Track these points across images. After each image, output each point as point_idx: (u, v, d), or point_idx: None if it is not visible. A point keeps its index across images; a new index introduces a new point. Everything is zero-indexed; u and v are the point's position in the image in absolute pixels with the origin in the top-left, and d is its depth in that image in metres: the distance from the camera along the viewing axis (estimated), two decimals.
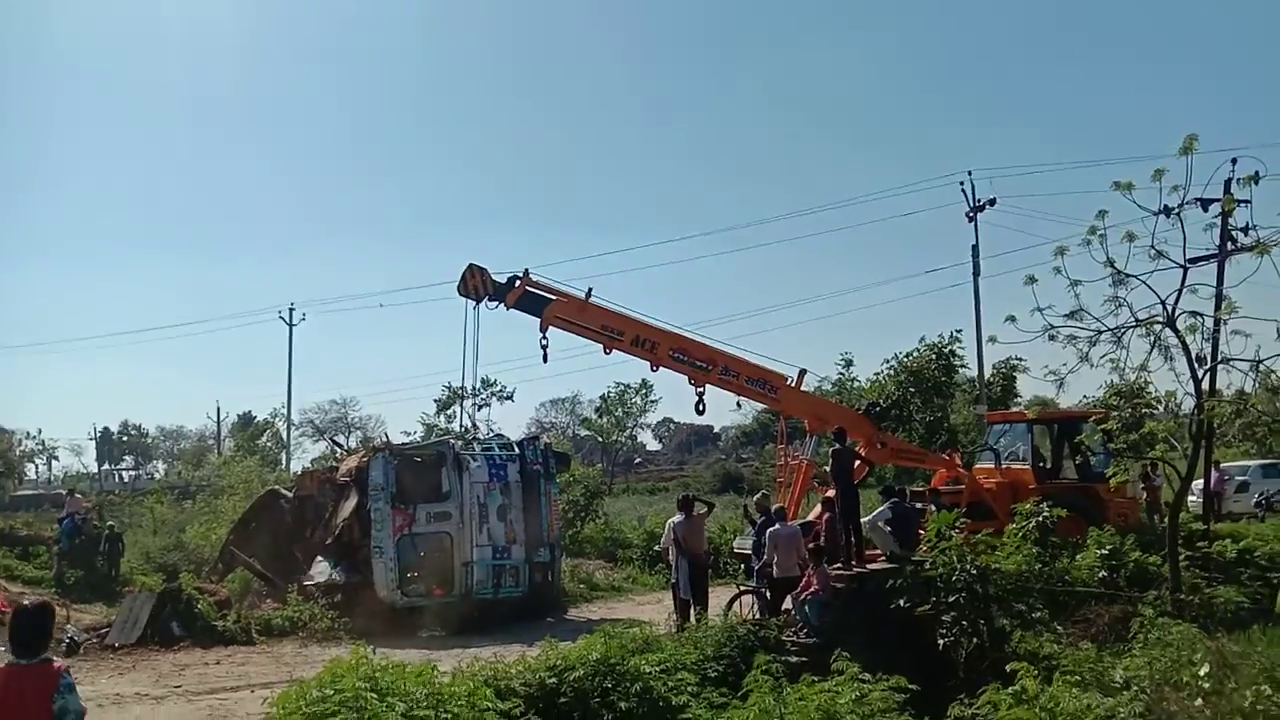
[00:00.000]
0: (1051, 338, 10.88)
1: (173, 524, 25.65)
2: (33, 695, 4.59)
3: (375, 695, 6.29)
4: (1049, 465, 17.69)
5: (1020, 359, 32.30)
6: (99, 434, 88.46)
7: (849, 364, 39.07)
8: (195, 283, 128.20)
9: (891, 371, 30.01)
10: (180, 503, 29.73)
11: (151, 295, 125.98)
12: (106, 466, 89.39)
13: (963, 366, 30.94)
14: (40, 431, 74.53)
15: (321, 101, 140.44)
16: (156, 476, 77.48)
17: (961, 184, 34.16)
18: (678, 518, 14.28)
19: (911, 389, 29.03)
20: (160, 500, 29.99)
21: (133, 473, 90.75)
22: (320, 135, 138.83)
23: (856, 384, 36.70)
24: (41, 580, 22.91)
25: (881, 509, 13.74)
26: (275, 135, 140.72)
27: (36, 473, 77.60)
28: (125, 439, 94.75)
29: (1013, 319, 11.15)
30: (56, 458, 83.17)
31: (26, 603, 5.22)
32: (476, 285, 16.10)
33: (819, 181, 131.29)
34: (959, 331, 30.17)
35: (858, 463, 14.25)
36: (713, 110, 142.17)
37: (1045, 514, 13.83)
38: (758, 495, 16.94)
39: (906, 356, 29.87)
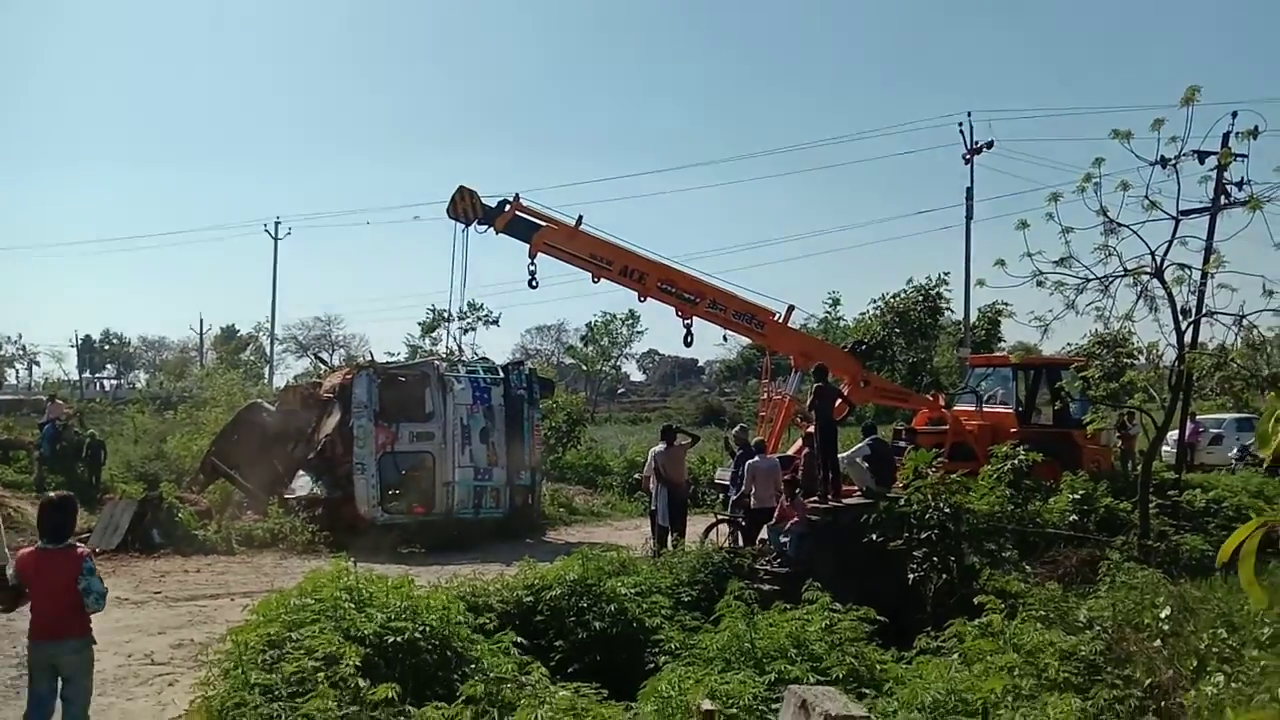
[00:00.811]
0: (1039, 284, 10.85)
1: (154, 434, 25.65)
2: (62, 574, 5.24)
3: (354, 605, 6.38)
4: (1028, 410, 17.88)
5: (1007, 304, 32.34)
6: (81, 341, 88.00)
7: (836, 303, 39.28)
8: (182, 195, 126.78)
9: (878, 312, 30.14)
10: (162, 413, 29.66)
11: (137, 206, 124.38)
12: (88, 374, 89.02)
13: (948, 309, 31.07)
14: (21, 336, 73.92)
15: (316, 13, 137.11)
16: (138, 386, 77.25)
17: (960, 125, 33.84)
18: (659, 446, 14.40)
19: (897, 330, 29.20)
20: (142, 410, 29.95)
21: (114, 382, 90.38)
22: (312, 47, 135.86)
23: (843, 323, 36.86)
24: (22, 484, 22.91)
25: (860, 445, 13.90)
26: (267, 47, 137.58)
27: (17, 378, 77.06)
28: (107, 348, 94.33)
29: (1002, 263, 11.11)
30: (38, 363, 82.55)
31: (52, 495, 6.03)
32: (466, 208, 15.96)
33: (815, 117, 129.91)
34: (947, 274, 30.23)
35: (839, 401, 14.32)
36: (707, 38, 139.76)
37: (1021, 457, 14.03)
38: (736, 429, 17.07)
39: (893, 297, 29.98)
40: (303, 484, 16.28)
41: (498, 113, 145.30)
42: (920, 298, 28.99)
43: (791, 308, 17.96)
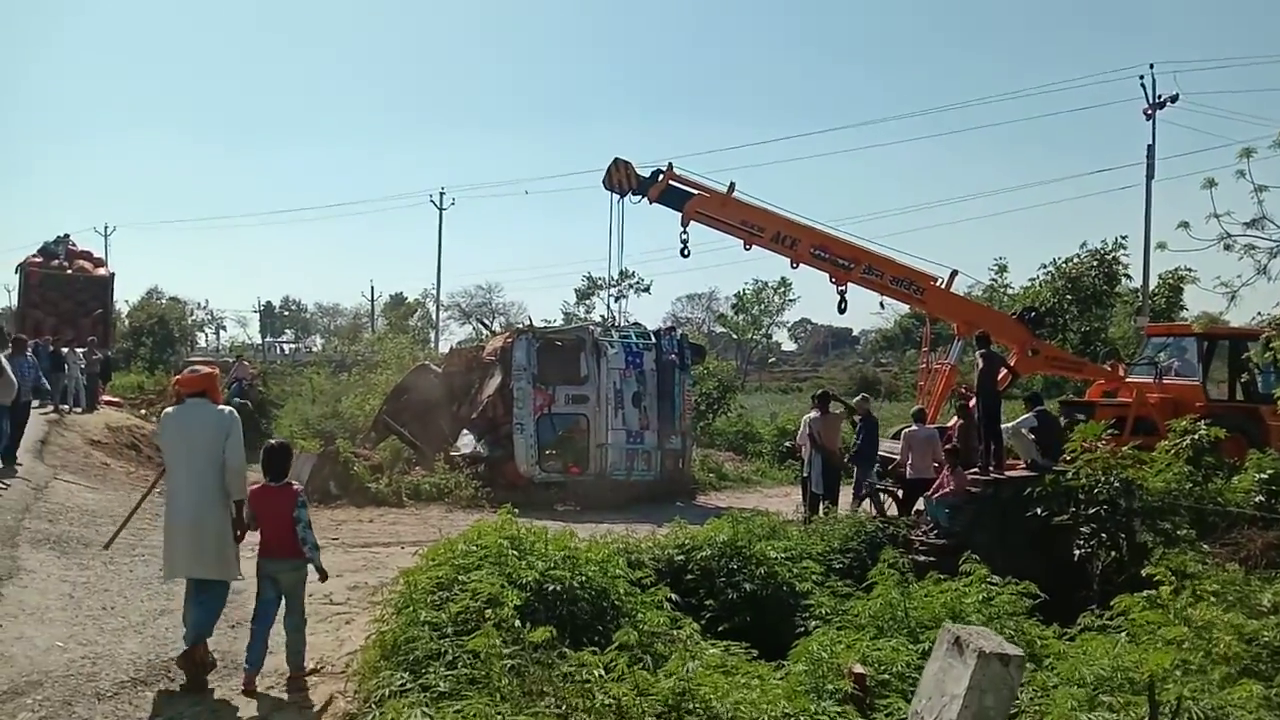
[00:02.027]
0: (1227, 247, 10.05)
1: (329, 394, 27.26)
2: (281, 506, 6.42)
3: (516, 553, 6.67)
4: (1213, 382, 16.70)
5: (1190, 269, 30.09)
6: (262, 307, 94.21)
7: (1003, 269, 37.52)
8: (357, 168, 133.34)
9: (1048, 277, 28.63)
10: (336, 375, 31.52)
11: (314, 179, 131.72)
12: (268, 338, 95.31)
13: (1126, 275, 29.18)
14: (209, 302, 80.00)
15: None
16: (314, 350, 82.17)
17: (1142, 79, 31.58)
18: (814, 413, 14.26)
19: (1069, 297, 27.67)
20: (318, 372, 31.95)
21: (292, 345, 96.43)
22: (470, 27, 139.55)
23: (1010, 290, 35.23)
24: None
25: (1026, 416, 13.34)
26: (428, 20, 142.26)
27: (205, 341, 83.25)
28: (286, 313, 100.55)
29: (1186, 225, 10.35)
30: (224, 328, 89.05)
31: (273, 441, 7.07)
32: (621, 179, 16.21)
33: (981, 74, 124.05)
34: (1125, 238, 28.38)
35: (1003, 370, 13.77)
36: (858, 7, 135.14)
37: (1202, 432, 13.14)
38: (859, 398, 16.72)
39: (1066, 262, 28.41)
40: (466, 442, 17.02)
41: (652, 81, 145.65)
42: (1095, 263, 27.34)
43: (954, 273, 17.39)
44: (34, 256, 31.00)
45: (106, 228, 65.70)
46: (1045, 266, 28.74)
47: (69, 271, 30.58)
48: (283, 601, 6.47)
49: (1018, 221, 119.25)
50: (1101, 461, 11.09)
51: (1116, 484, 10.85)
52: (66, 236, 32.55)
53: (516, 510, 7.90)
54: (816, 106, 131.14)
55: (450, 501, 15.74)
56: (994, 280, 37.32)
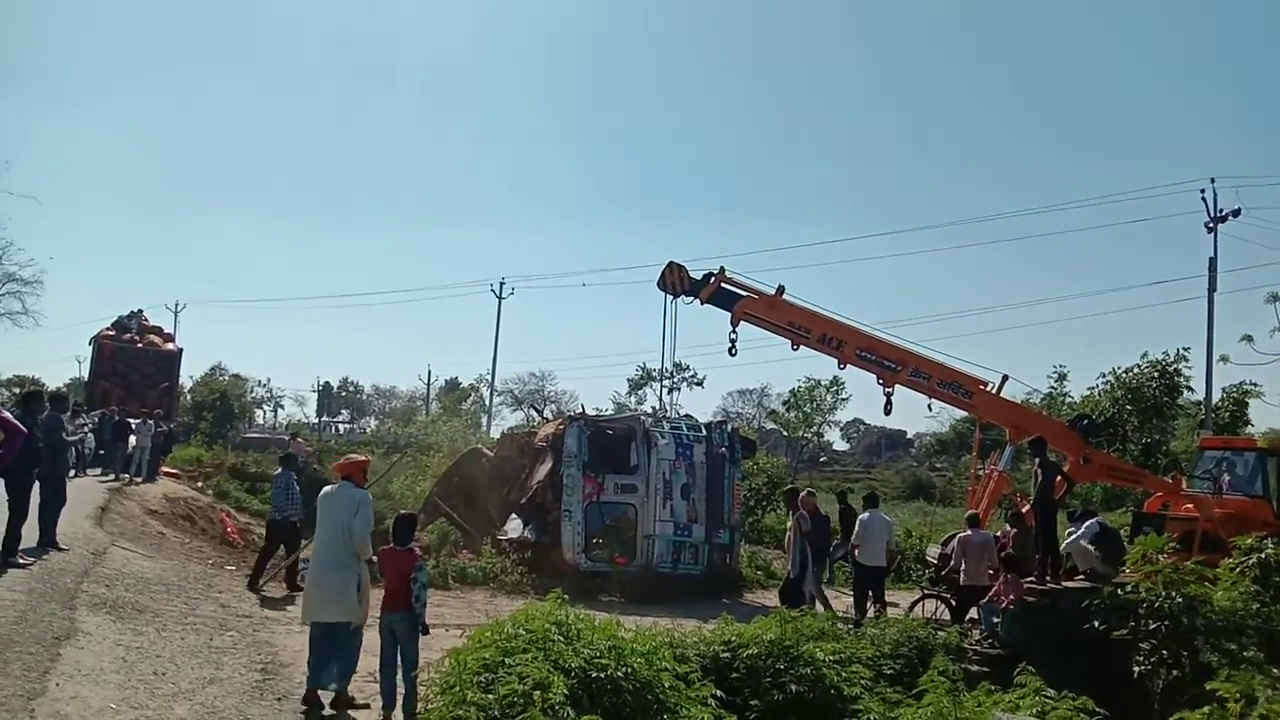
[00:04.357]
0: None
1: (381, 475, 27.55)
2: (403, 566, 7.70)
3: (563, 639, 6.66)
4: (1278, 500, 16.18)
5: (1255, 384, 29.42)
6: (321, 387, 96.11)
7: (1062, 377, 36.94)
8: (418, 254, 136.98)
9: (1108, 387, 28.14)
10: (389, 456, 31.90)
11: (378, 263, 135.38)
12: (325, 418, 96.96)
13: (1188, 388, 28.62)
14: (269, 380, 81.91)
15: (537, 82, 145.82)
16: (368, 430, 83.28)
17: (1203, 192, 31.50)
18: (865, 514, 14.15)
19: (1129, 407, 27.11)
20: (371, 452, 32.35)
21: (347, 425, 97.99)
22: (532, 115, 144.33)
23: (1069, 399, 34.68)
24: (264, 513, 25.19)
25: (1089, 523, 13.05)
26: (491, 113, 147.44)
27: (263, 418, 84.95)
28: (344, 394, 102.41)
29: (1249, 339, 10.25)
30: (282, 406, 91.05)
31: (402, 512, 8.88)
32: (674, 281, 16.59)
33: (1035, 182, 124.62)
34: (1187, 349, 27.92)
35: (1058, 477, 13.55)
36: (925, 103, 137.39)
37: (1270, 550, 12.70)
38: (804, 493, 16.59)
39: (1125, 372, 27.94)
40: (514, 527, 17.06)
41: (711, 179, 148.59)
42: (1156, 374, 26.87)
43: (1005, 378, 17.25)
44: (107, 329, 32.23)
45: (177, 304, 67.99)
46: (1104, 376, 28.33)
47: (139, 345, 31.70)
48: (400, 650, 7.61)
49: (1076, 330, 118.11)
50: (1164, 576, 10.76)
51: (1180, 600, 10.50)
52: (140, 311, 33.85)
53: (567, 597, 7.90)
54: (876, 208, 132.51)
55: (495, 586, 15.69)
56: (1053, 388, 36.82)
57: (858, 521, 14.38)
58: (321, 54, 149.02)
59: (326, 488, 8.33)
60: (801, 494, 14.78)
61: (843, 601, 15.49)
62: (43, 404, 11.65)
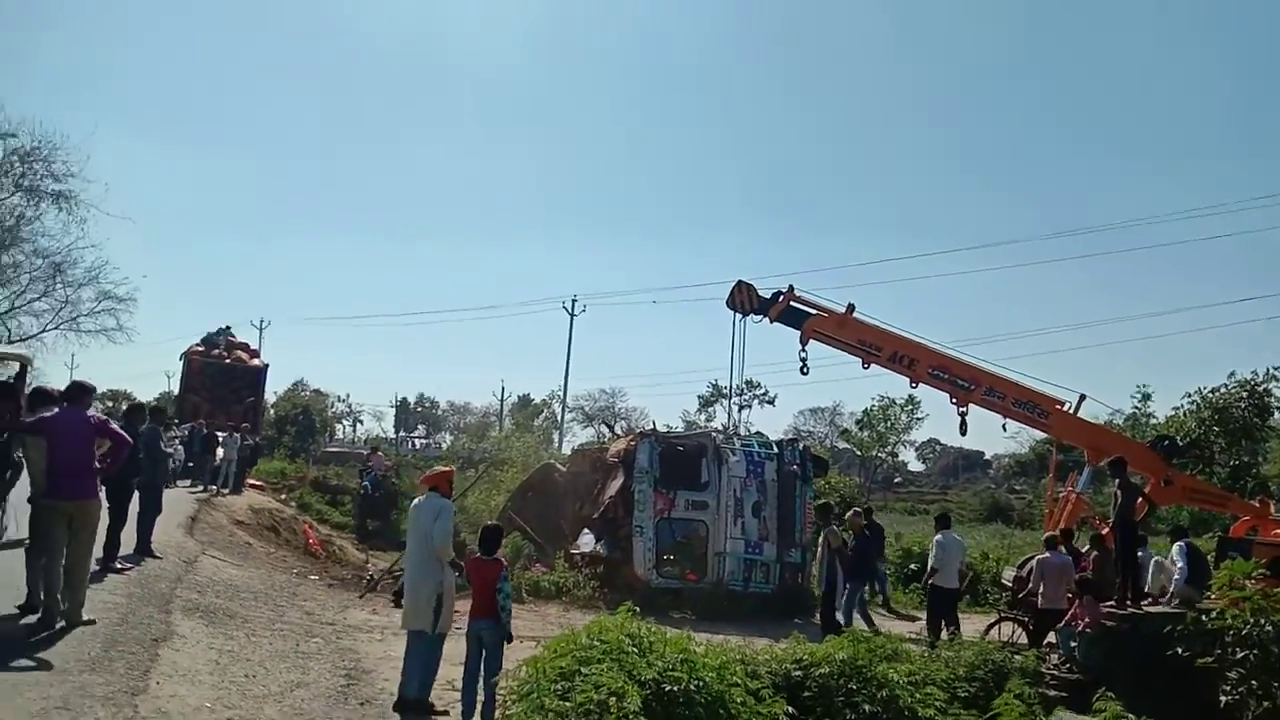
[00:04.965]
0: None
1: (457, 489, 28.01)
2: (489, 576, 8.01)
3: (636, 651, 6.78)
4: None
5: None
6: (399, 403, 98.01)
7: (1146, 397, 35.91)
8: (490, 269, 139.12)
9: (1193, 407, 27.23)
10: (463, 471, 32.43)
11: (454, 280, 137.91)
12: (402, 433, 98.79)
13: (1279, 408, 27.54)
14: (349, 396, 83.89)
15: (605, 101, 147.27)
16: (443, 446, 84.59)
17: None
18: (940, 535, 14.01)
19: (1215, 428, 26.20)
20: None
21: (423, 440, 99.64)
22: (601, 134, 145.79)
23: (1154, 420, 33.67)
24: (345, 526, 25.86)
25: (1177, 545, 12.74)
26: (560, 132, 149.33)
27: (343, 432, 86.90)
28: (420, 410, 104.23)
29: None
30: (361, 421, 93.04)
31: (489, 523, 9.43)
32: (743, 300, 16.68)
33: (1117, 199, 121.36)
34: (1277, 368, 26.89)
35: (1139, 499, 13.24)
36: (1001, 122, 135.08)
37: None
38: (851, 511, 16.31)
39: (1212, 392, 27.01)
40: (586, 541, 17.24)
41: (778, 196, 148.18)
42: (1244, 394, 25.97)
43: (1083, 397, 16.94)
44: (196, 345, 33.49)
45: (262, 321, 70.17)
46: (1190, 396, 27.45)
47: (227, 361, 32.86)
48: (484, 658, 7.84)
49: (1159, 348, 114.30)
50: (1253, 603, 10.44)
51: (1270, 628, 10.17)
52: (228, 328, 35.12)
53: (638, 609, 8.03)
54: (951, 224, 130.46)
55: (568, 600, 15.86)
56: (1136, 409, 35.82)
57: (933, 544, 14.23)
58: (396, 79, 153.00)
59: (416, 499, 8.62)
60: (849, 513, 14.70)
61: (885, 623, 15.33)
62: (144, 416, 12.27)
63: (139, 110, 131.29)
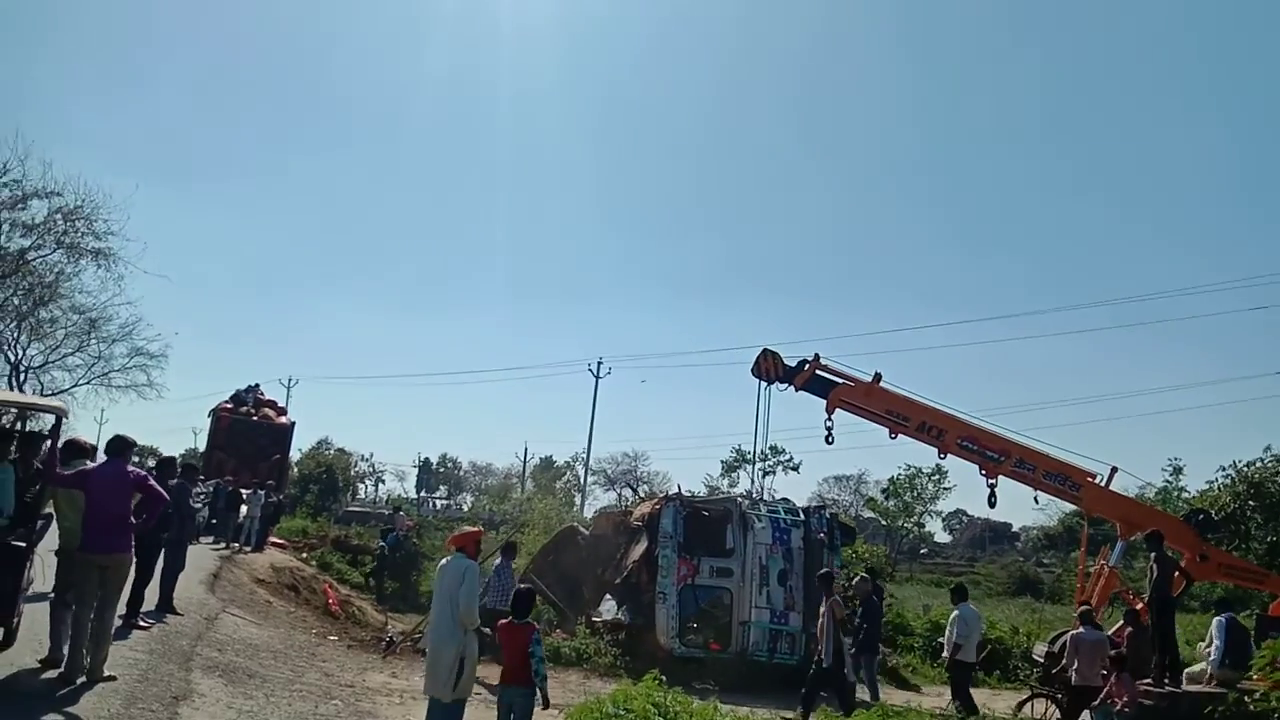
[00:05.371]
0: None
1: (490, 554, 27.80)
2: (521, 640, 7.74)
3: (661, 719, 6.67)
4: None
5: None
6: (421, 463, 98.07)
7: (1177, 471, 35.28)
8: (514, 330, 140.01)
9: (1228, 481, 26.67)
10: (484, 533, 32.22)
11: (479, 342, 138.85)
12: (423, 493, 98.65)
13: None
14: (373, 455, 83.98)
15: (627, 165, 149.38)
16: (465, 507, 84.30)
17: None
18: (959, 609, 13.80)
19: (1251, 503, 25.60)
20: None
21: (445, 501, 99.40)
22: (634, 199, 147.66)
23: (1186, 494, 33.05)
24: (365, 586, 25.66)
25: (1216, 620, 12.41)
26: (591, 196, 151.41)
27: (365, 492, 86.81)
28: (442, 470, 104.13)
29: None
30: (383, 480, 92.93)
31: (521, 586, 9.43)
32: (769, 368, 16.67)
33: (1146, 270, 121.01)
34: None
35: (1176, 573, 12.94)
36: (1028, 194, 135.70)
37: None
38: (856, 579, 15.98)
39: (1247, 466, 26.48)
40: (609, 608, 17.01)
41: (806, 264, 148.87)
42: None
43: (1114, 470, 16.65)
44: (225, 403, 33.80)
45: (290, 379, 70.76)
46: (1224, 469, 26.92)
47: (255, 418, 33.09)
48: None
49: (1190, 421, 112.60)
50: None
51: None
52: (256, 386, 35.43)
53: (664, 678, 7.91)
54: (975, 295, 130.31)
55: (588, 668, 15.59)
56: (1168, 482, 35.19)
57: (954, 618, 13.95)
58: (428, 144, 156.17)
59: (443, 560, 8.40)
60: (855, 579, 14.47)
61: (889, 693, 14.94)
62: (175, 471, 12.35)
63: (178, 168, 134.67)
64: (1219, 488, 26.81)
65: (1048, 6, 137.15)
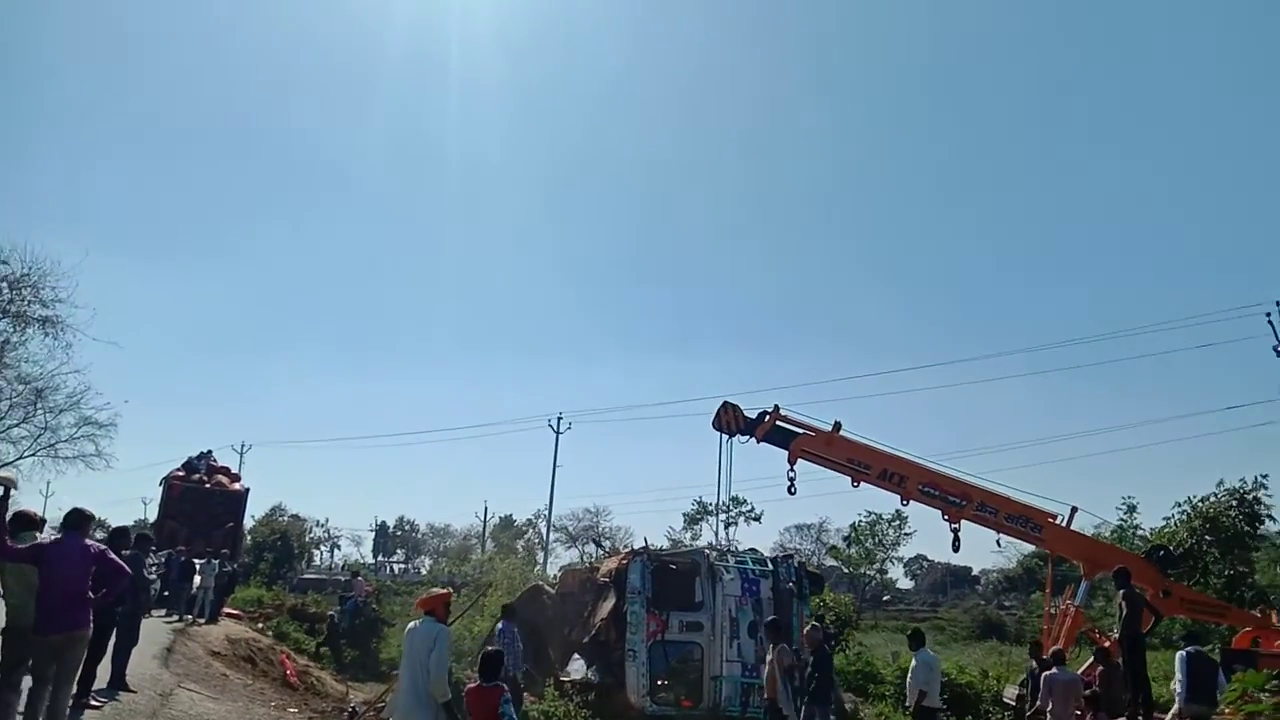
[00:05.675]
0: None
1: (459, 615, 27.24)
2: (489, 702, 7.62)
3: None
4: None
5: None
6: (378, 526, 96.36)
7: (1131, 509, 35.68)
8: (471, 388, 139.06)
9: (1184, 517, 27.10)
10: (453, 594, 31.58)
11: (434, 403, 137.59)
12: (381, 557, 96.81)
13: (1270, 517, 27.44)
14: (327, 520, 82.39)
15: (585, 218, 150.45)
16: (423, 570, 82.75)
17: (1269, 315, 31.19)
18: (918, 655, 13.81)
19: (1208, 537, 26.02)
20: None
21: (402, 565, 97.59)
22: (586, 254, 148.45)
23: (1141, 530, 33.46)
24: (323, 656, 24.95)
25: (1179, 655, 12.48)
26: (544, 252, 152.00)
27: (321, 559, 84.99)
28: (399, 534, 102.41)
29: None
30: (339, 546, 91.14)
31: (489, 649, 8.83)
32: (729, 420, 16.72)
33: (1098, 307, 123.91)
34: (1265, 476, 26.92)
35: (1144, 611, 13.03)
36: (992, 230, 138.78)
37: None
38: (807, 628, 16.02)
39: (1202, 501, 26.95)
40: (577, 667, 16.68)
41: (757, 316, 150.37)
42: (1234, 502, 25.93)
43: (1074, 510, 16.84)
44: (178, 470, 33.01)
45: (243, 445, 69.39)
46: (1180, 505, 27.36)
47: (208, 486, 32.34)
48: None
49: (1147, 460, 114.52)
50: (1268, 716, 10.17)
51: None
52: (209, 452, 34.67)
53: None
54: (924, 343, 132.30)
55: None
56: (1123, 520, 35.52)
57: (916, 664, 13.93)
58: (375, 201, 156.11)
59: (411, 624, 8.19)
60: (806, 628, 14.43)
61: None
62: (128, 541, 11.93)
63: (126, 235, 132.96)
64: (1176, 524, 27.23)
65: (968, 61, 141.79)
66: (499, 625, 14.87)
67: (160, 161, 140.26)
